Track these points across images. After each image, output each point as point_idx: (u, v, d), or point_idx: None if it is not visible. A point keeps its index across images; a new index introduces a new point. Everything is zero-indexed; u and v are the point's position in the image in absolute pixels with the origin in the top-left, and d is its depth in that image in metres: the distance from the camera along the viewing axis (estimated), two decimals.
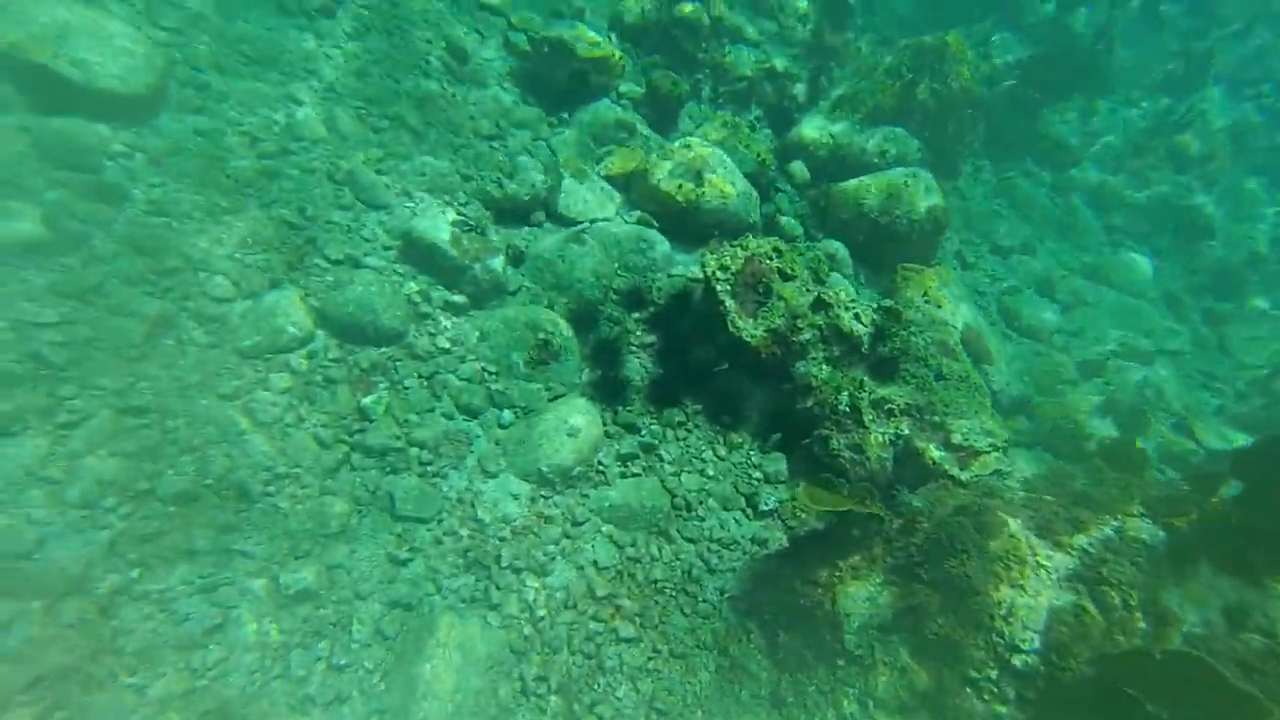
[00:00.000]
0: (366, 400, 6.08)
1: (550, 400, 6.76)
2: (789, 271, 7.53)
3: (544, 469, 6.16)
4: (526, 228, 8.16)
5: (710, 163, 8.59)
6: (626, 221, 8.58)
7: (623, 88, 9.91)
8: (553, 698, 5.19)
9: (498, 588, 5.58)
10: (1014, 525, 4.84)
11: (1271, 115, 14.48)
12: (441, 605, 5.44)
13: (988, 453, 6.37)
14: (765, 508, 6.65)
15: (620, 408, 7.08)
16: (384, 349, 6.36)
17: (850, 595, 4.91)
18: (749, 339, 7.06)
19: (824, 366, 7.12)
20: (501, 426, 6.49)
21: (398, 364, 6.34)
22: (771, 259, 7.51)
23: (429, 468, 5.99)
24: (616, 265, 8.09)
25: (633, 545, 6.14)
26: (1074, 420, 8.21)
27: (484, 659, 5.25)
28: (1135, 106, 14.30)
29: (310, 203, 6.79)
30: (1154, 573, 4.56)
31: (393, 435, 6.00)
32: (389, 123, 7.82)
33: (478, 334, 6.94)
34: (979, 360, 8.45)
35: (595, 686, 5.25)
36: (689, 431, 7.14)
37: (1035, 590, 4.57)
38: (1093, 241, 12.33)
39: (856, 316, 7.16)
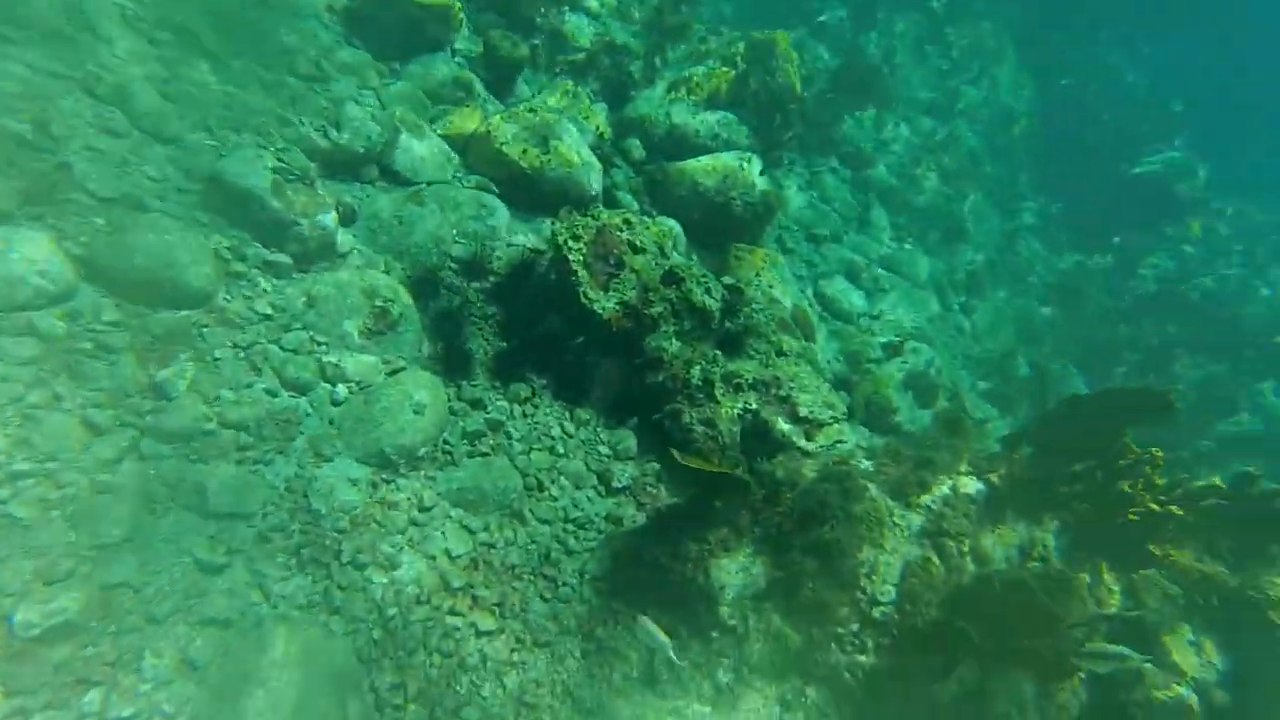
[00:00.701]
0: (163, 374, 5.01)
1: (390, 375, 6.08)
2: (639, 244, 7.46)
3: (387, 450, 5.53)
4: (358, 184, 7.28)
5: (556, 129, 8.26)
6: (465, 185, 7.98)
7: (459, 44, 9.22)
8: (411, 706, 4.66)
9: (339, 588, 4.90)
10: (873, 490, 5.20)
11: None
12: (273, 616, 4.64)
13: (830, 424, 6.80)
14: (618, 485, 6.54)
15: (464, 382, 6.58)
16: (185, 312, 5.28)
17: (723, 568, 4.96)
18: (600, 311, 6.89)
19: (674, 341, 7.16)
20: (335, 404, 5.72)
21: (204, 331, 5.30)
22: (623, 231, 7.40)
23: (249, 453, 5.09)
24: (455, 231, 7.50)
25: (485, 530, 5.73)
26: (884, 395, 9.09)
27: (329, 673, 4.56)
28: (911, 123, 16.15)
29: (57, 118, 5.41)
30: (978, 522, 5.14)
31: (200, 416, 5.01)
32: (174, 36, 6.49)
33: (304, 299, 6.03)
34: (806, 339, 9.03)
35: (458, 687, 4.80)
36: (536, 407, 6.82)
37: (893, 548, 4.94)
38: (885, 236, 13.76)
39: (708, 291, 7.29)
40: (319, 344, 5.94)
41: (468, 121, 8.43)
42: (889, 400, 9.08)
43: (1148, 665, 4.70)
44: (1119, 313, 14.17)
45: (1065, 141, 17.51)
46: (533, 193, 8.22)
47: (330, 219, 6.40)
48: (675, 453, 5.34)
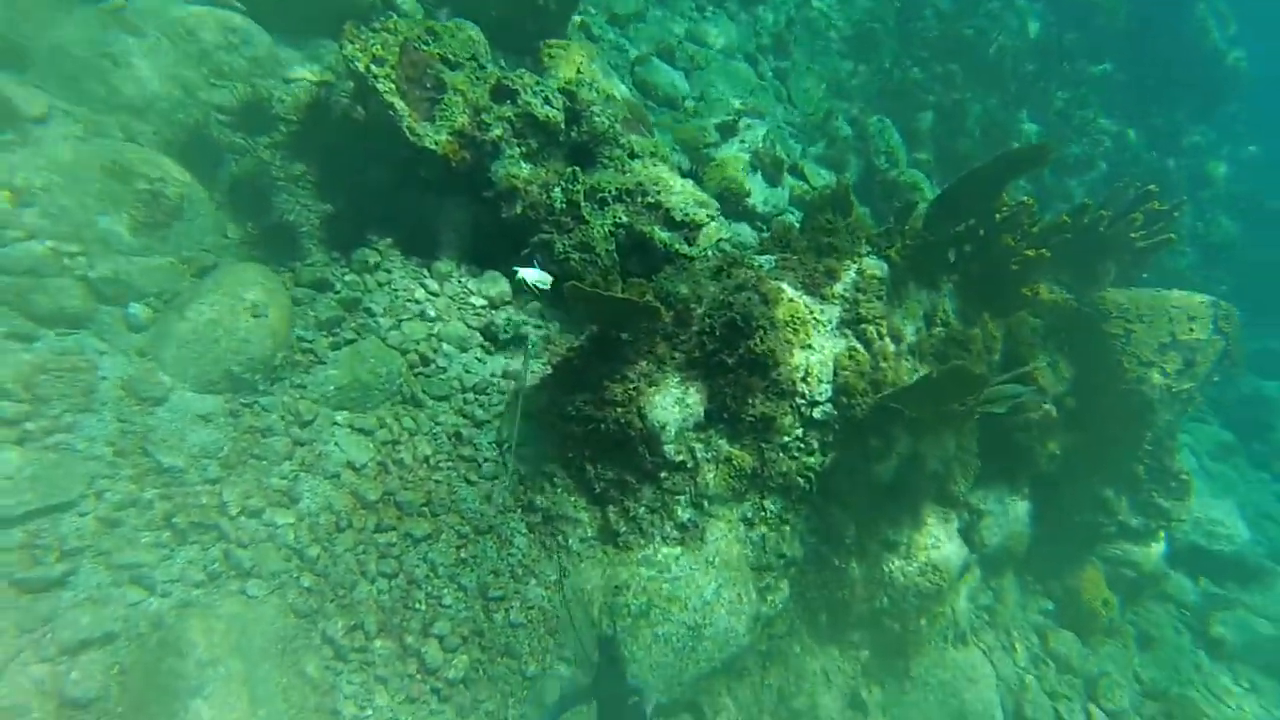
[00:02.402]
0: None
1: (196, 275, 4.88)
2: (453, 57, 6.31)
3: (235, 369, 4.55)
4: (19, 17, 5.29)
5: None
6: (192, 4, 6.13)
7: None
8: (377, 643, 4.24)
9: (240, 546, 4.15)
10: (789, 289, 5.13)
11: None
12: (171, 607, 3.85)
13: (707, 223, 6.57)
14: (505, 335, 6.03)
15: (298, 264, 5.49)
16: None
17: (657, 405, 4.79)
18: (432, 146, 5.89)
19: (523, 164, 6.37)
20: (135, 329, 4.53)
21: None
22: (429, 44, 6.17)
23: (28, 426, 3.92)
24: (204, 70, 5.85)
25: (382, 426, 5.09)
26: (735, 180, 8.96)
27: (270, 645, 3.96)
28: None
29: None
30: (887, 301, 5.34)
31: None
32: None
33: (7, 194, 4.47)
34: (647, 133, 8.49)
35: (416, 605, 4.43)
36: (389, 272, 5.93)
37: (820, 345, 5.00)
38: (686, 7, 12.91)
39: (548, 101, 6.43)
40: (72, 256, 4.54)
41: None
42: (741, 185, 8.98)
43: (1025, 393, 5.37)
44: (911, 56, 14.78)
45: None
46: (292, 6, 6.53)
47: None
48: (574, 285, 4.87)
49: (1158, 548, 7.21)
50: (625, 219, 6.55)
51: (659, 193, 6.69)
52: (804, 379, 4.97)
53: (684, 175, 9.13)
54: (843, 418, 5.05)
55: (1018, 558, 6.50)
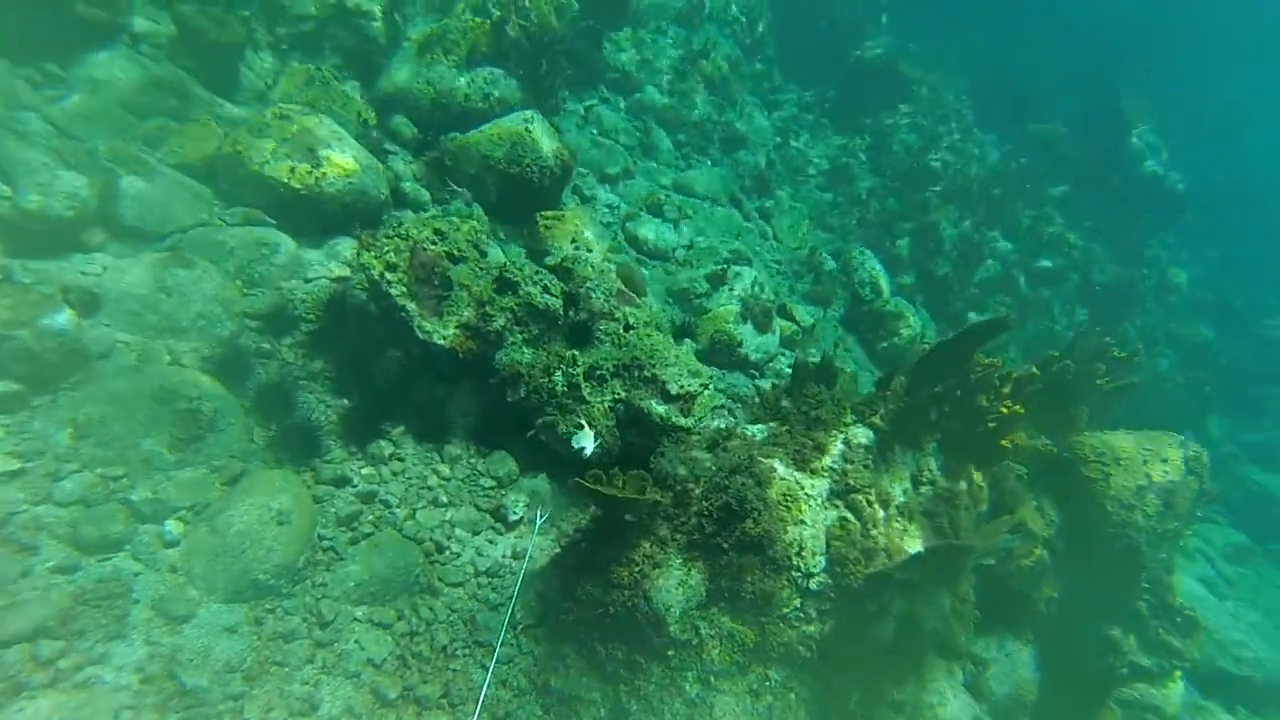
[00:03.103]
0: None
1: (227, 484, 5.30)
2: (457, 252, 6.99)
3: (261, 577, 4.89)
4: (82, 256, 5.99)
5: (320, 134, 7.29)
6: (229, 224, 6.88)
7: (138, 26, 7.62)
8: None
9: None
10: (780, 468, 5.52)
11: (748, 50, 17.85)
12: None
13: (701, 393, 7.05)
14: (514, 516, 6.37)
15: (318, 460, 5.92)
16: None
17: (661, 588, 5.09)
18: (441, 342, 6.46)
19: (525, 350, 6.92)
20: (169, 544, 4.90)
21: None
22: (436, 243, 6.86)
23: (61, 664, 4.20)
24: (239, 282, 6.52)
25: (400, 618, 5.37)
26: (727, 332, 9.54)
27: None
28: (665, 35, 16.19)
29: None
30: (874, 467, 5.72)
31: None
32: None
33: (70, 431, 4.98)
34: (638, 295, 9.14)
35: None
36: (402, 460, 6.35)
37: (812, 519, 5.35)
38: (670, 158, 14.02)
39: (546, 290, 7.05)
40: (116, 480, 4.98)
41: (203, 142, 7.18)
42: (733, 336, 9.56)
43: (1015, 543, 5.66)
44: (886, 188, 15.86)
45: (801, 32, 18.66)
46: (314, 214, 7.29)
47: (64, 318, 5.26)
48: (579, 482, 5.28)
49: (1176, 688, 7.23)
50: (623, 393, 7.03)
51: (654, 366, 7.20)
52: (799, 553, 5.27)
53: (677, 328, 9.77)
54: (838, 586, 5.32)
55: (1028, 706, 6.56)
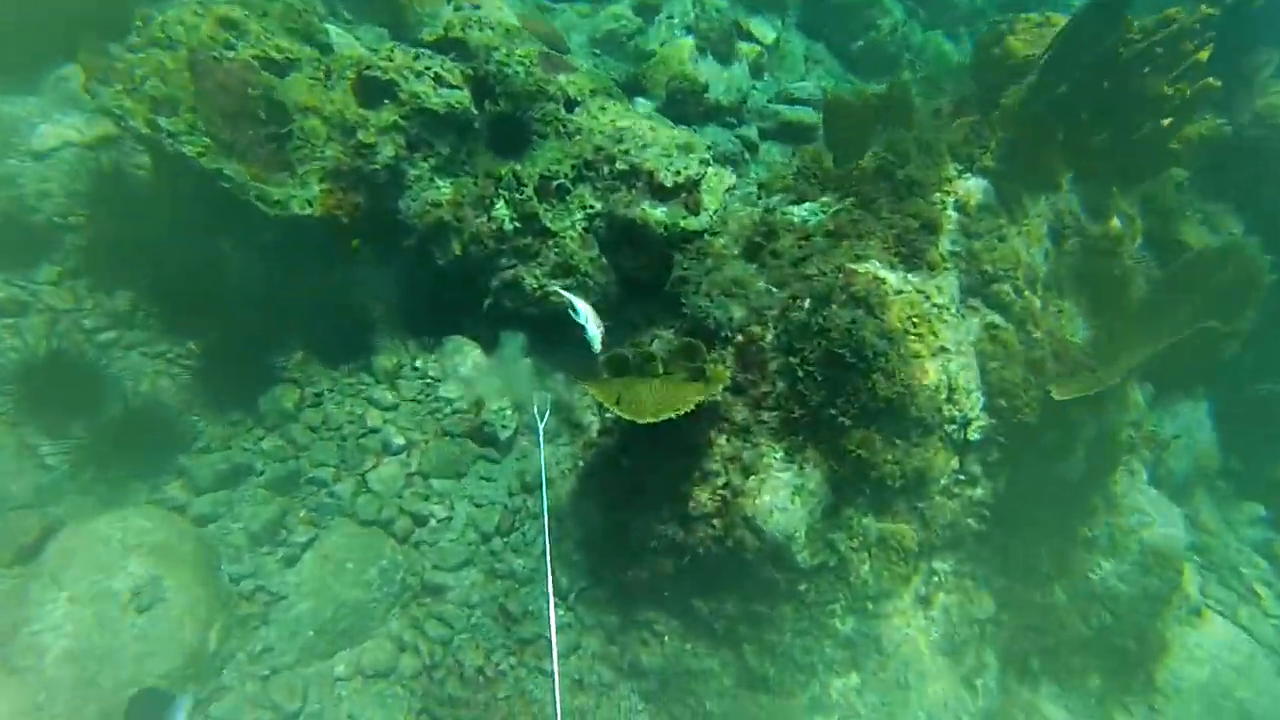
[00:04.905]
0: None
1: (20, 563, 3.14)
2: (277, 56, 4.20)
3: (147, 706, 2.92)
4: None
5: None
6: None
7: None
8: None
9: None
10: (886, 273, 3.49)
11: None
12: None
13: (705, 174, 4.79)
14: (504, 432, 4.40)
15: (185, 458, 3.71)
16: None
17: (767, 505, 3.30)
18: (304, 210, 3.98)
19: (439, 182, 4.45)
20: None
21: None
22: (235, 48, 4.04)
23: None
24: None
25: (404, 652, 3.58)
26: (684, 75, 6.94)
27: None
28: None
29: None
30: (1006, 231, 3.76)
31: None
32: None
33: None
34: (558, 50, 6.37)
35: None
36: (319, 405, 4.18)
37: (955, 342, 3.46)
38: None
39: (439, 80, 4.40)
40: None
41: None
42: (694, 79, 6.97)
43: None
44: None
45: None
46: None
47: None
48: (595, 390, 3.28)
49: None
50: (598, 204, 4.73)
51: (628, 152, 4.83)
52: (949, 399, 3.49)
53: (621, 86, 7.09)
54: (1005, 425, 3.63)
55: (1209, 474, 5.27)
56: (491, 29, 5.31)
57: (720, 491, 3.48)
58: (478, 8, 5.83)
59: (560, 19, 7.75)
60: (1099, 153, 4.02)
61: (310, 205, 3.96)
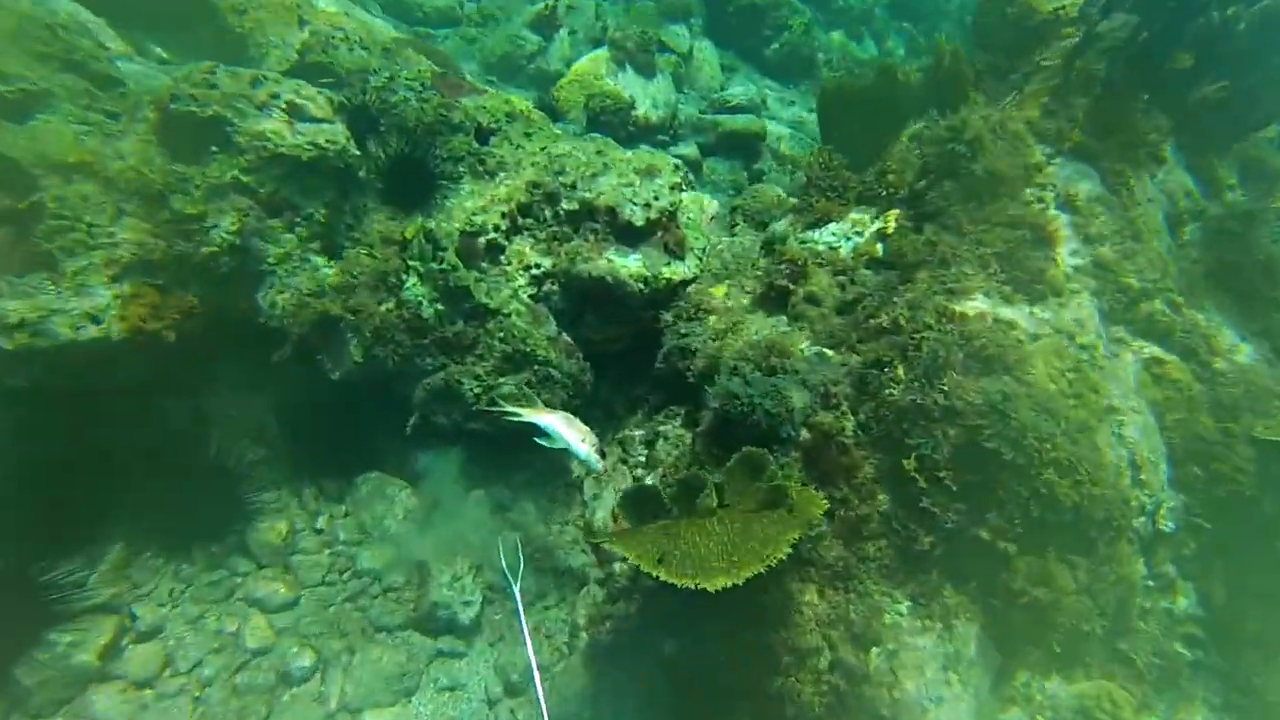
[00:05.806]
0: None
1: None
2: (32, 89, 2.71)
3: None
4: None
5: None
6: None
7: None
8: None
9: None
10: (1007, 313, 2.29)
11: None
12: None
13: (679, 204, 3.57)
14: (466, 614, 2.98)
15: None
16: None
17: (918, 700, 2.04)
18: (94, 336, 2.57)
19: (314, 259, 3.05)
20: None
21: None
22: None
23: None
24: None
25: None
26: (606, 92, 5.75)
27: None
28: None
29: None
30: (1137, 227, 2.71)
31: None
32: None
33: None
34: (450, 71, 5.04)
35: None
36: (161, 629, 2.64)
37: (1122, 396, 2.30)
38: None
39: (292, 109, 3.02)
40: None
41: None
42: (618, 95, 5.80)
43: None
44: None
45: None
46: None
47: None
48: (619, 548, 1.99)
49: None
50: (545, 261, 3.43)
51: (573, 185, 3.57)
52: (1135, 481, 2.36)
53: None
54: (1205, 498, 2.54)
55: None
56: (364, 48, 3.98)
57: (827, 678, 2.20)
58: (340, 27, 4.46)
59: (444, 46, 6.46)
60: (1211, 106, 3.05)
61: (97, 322, 2.47)
